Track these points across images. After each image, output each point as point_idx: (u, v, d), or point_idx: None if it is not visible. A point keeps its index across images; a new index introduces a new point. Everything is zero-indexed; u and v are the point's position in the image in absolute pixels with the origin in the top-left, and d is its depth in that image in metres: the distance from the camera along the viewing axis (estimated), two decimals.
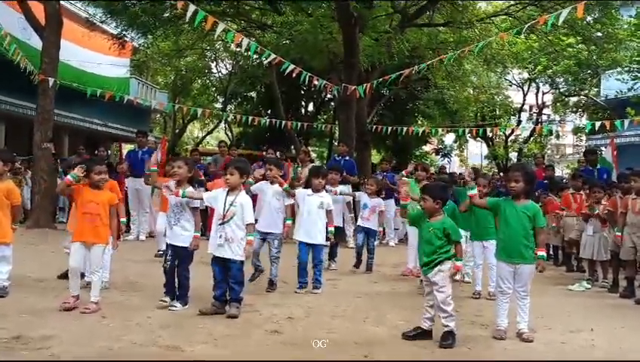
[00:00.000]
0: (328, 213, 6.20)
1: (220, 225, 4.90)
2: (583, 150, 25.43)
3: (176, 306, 4.94)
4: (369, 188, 7.88)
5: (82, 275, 5.15)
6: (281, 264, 6.12)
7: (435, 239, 4.31)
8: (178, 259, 5.04)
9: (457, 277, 4.63)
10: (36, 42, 13.06)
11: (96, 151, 12.18)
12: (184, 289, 5.05)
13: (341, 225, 7.97)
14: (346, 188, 7.96)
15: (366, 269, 7.47)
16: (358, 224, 7.95)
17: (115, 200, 5.11)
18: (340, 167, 8.68)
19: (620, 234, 6.69)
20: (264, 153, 12.57)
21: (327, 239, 6.48)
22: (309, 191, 6.22)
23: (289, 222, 6.21)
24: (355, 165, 10.72)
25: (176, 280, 5.06)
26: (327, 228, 6.25)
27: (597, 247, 7.06)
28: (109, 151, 19.09)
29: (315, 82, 9.84)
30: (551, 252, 9.67)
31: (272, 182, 6.11)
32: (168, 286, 5.06)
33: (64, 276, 5.43)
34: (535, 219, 4.46)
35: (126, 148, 17.03)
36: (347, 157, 10.76)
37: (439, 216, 4.43)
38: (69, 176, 4.95)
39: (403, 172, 8.05)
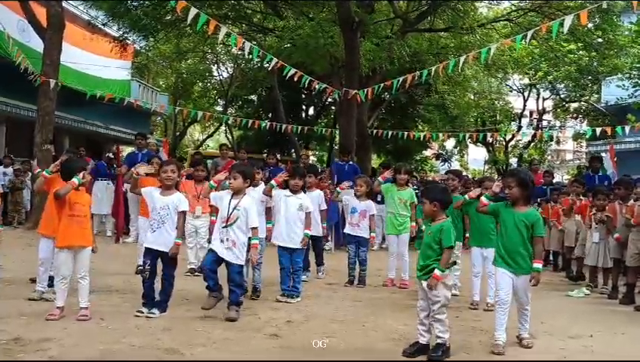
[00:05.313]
0: (307, 215, 5.87)
1: (223, 228, 4.89)
2: (584, 156, 25.52)
3: (154, 313, 4.77)
4: (358, 189, 6.99)
5: (51, 279, 5.08)
6: (274, 268, 6.02)
7: (433, 243, 4.17)
8: (163, 264, 4.92)
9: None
10: (35, 44, 13.08)
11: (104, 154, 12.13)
12: (166, 295, 4.91)
13: (320, 234, 7.07)
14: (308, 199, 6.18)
15: (358, 282, 6.82)
16: (346, 231, 7.13)
17: (91, 202, 5.01)
18: (302, 170, 6.43)
19: (619, 235, 6.69)
20: (264, 156, 12.57)
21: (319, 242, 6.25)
22: (287, 192, 5.89)
23: (269, 225, 5.90)
24: (359, 170, 10.69)
25: (155, 288, 4.90)
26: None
27: (602, 255, 7.03)
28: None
29: (315, 86, 9.83)
30: (551, 257, 9.69)
31: (254, 186, 5.72)
32: (148, 298, 4.87)
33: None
34: (534, 227, 4.28)
35: (125, 150, 17.03)
36: (351, 162, 10.75)
37: (440, 220, 4.24)
38: (44, 172, 5.06)
39: (380, 178, 7.25)
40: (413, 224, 6.86)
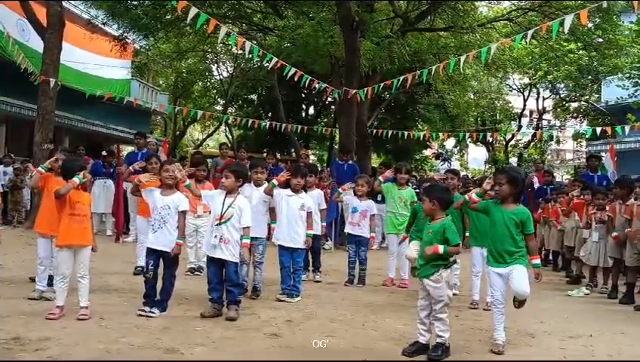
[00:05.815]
0: (308, 215, 5.87)
1: (216, 225, 4.90)
2: (583, 156, 25.56)
3: (154, 312, 4.78)
4: (359, 189, 7.00)
5: (50, 278, 5.08)
6: (274, 268, 6.01)
7: (434, 242, 4.15)
8: (164, 264, 4.93)
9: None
10: (34, 43, 13.06)
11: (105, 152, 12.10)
12: (167, 294, 4.92)
13: (319, 233, 6.98)
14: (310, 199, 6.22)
15: (358, 282, 6.81)
16: (347, 231, 7.15)
17: (91, 201, 5.02)
18: (303, 170, 6.36)
19: (618, 234, 6.68)
20: (264, 155, 12.55)
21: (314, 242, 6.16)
22: (289, 191, 5.88)
23: (274, 225, 5.92)
24: (359, 170, 10.67)
25: (157, 287, 4.90)
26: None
27: (602, 254, 7.03)
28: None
29: (315, 85, 9.82)
30: (550, 257, 9.70)
31: (257, 185, 5.74)
32: (149, 297, 4.86)
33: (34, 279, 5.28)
34: (524, 225, 4.25)
35: (125, 149, 17.03)
36: (350, 162, 10.74)
37: (440, 219, 4.24)
38: (40, 168, 5.07)
39: (380, 177, 7.26)
40: (404, 234, 6.52)
